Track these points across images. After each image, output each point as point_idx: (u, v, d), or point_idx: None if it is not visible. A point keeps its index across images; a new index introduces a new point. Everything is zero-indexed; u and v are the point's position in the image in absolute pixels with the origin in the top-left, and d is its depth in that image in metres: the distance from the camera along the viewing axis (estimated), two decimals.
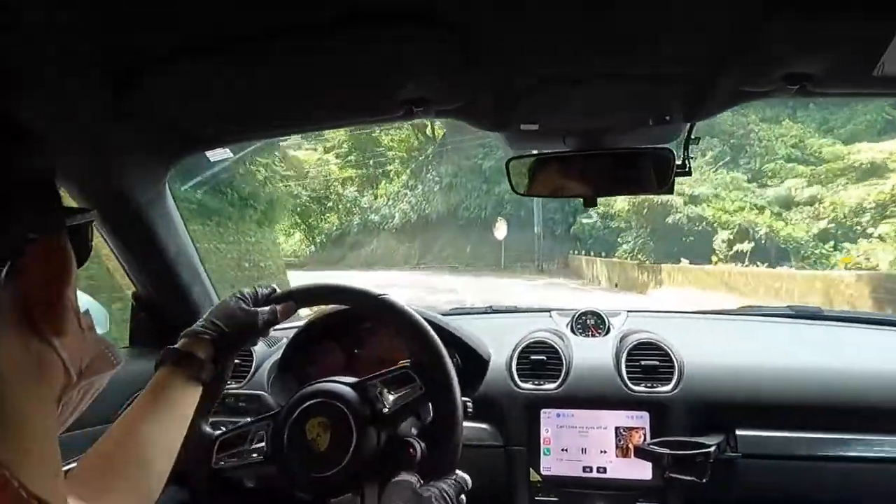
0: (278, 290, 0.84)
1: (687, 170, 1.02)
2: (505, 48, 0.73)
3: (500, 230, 16.79)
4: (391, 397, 0.75)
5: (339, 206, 23.50)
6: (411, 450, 0.74)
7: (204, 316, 0.76)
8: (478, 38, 0.67)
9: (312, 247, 24.26)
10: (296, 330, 1.08)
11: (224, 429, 0.82)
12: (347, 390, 0.76)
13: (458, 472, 0.74)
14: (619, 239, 14.25)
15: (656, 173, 1.02)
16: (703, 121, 1.02)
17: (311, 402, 0.76)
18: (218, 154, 1.22)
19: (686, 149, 1.02)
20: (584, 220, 15.59)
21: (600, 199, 1.08)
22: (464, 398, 0.79)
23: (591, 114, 0.98)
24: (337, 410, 0.74)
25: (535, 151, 1.07)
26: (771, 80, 0.81)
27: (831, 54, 0.74)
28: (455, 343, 1.07)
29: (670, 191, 1.03)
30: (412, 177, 21.54)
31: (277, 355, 1.13)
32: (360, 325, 1.04)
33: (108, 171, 0.97)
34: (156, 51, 0.68)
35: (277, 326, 0.82)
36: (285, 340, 1.11)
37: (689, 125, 1.00)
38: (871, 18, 0.65)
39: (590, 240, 15.86)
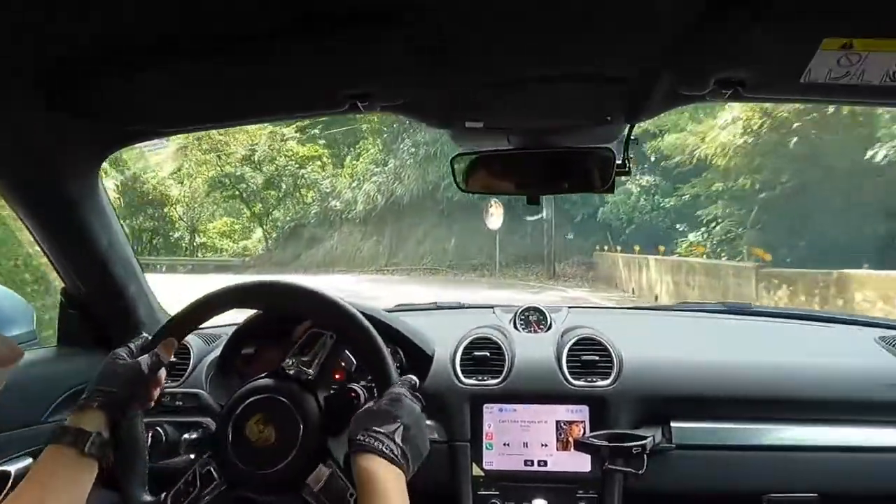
0: (150, 336, 0.98)
1: (627, 169, 1.29)
2: (452, 49, 0.91)
3: (495, 217, 14.28)
4: (310, 363, 0.94)
5: (297, 192, 22.80)
6: (352, 394, 0.94)
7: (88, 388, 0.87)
8: (424, 39, 0.85)
9: (268, 243, 23.69)
10: (234, 328, 1.23)
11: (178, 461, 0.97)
12: (269, 381, 0.94)
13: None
14: (676, 226, 10.61)
15: (598, 172, 1.28)
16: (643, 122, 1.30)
17: (244, 405, 0.91)
18: (153, 144, 1.46)
19: (626, 149, 1.29)
20: (616, 198, 11.32)
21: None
22: None
23: (535, 114, 1.21)
24: (270, 401, 0.90)
25: (480, 148, 1.34)
26: (706, 85, 1.05)
27: (761, 62, 0.97)
28: (399, 339, 1.32)
29: (611, 190, 1.30)
30: (384, 149, 20.28)
31: (217, 352, 1.30)
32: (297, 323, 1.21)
33: (37, 164, 1.14)
34: (90, 49, 0.85)
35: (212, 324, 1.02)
36: (224, 338, 1.27)
37: (629, 126, 1.28)
38: (799, 28, 0.86)
39: (628, 227, 12.77)
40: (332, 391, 0.97)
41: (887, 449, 1.26)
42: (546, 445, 1.32)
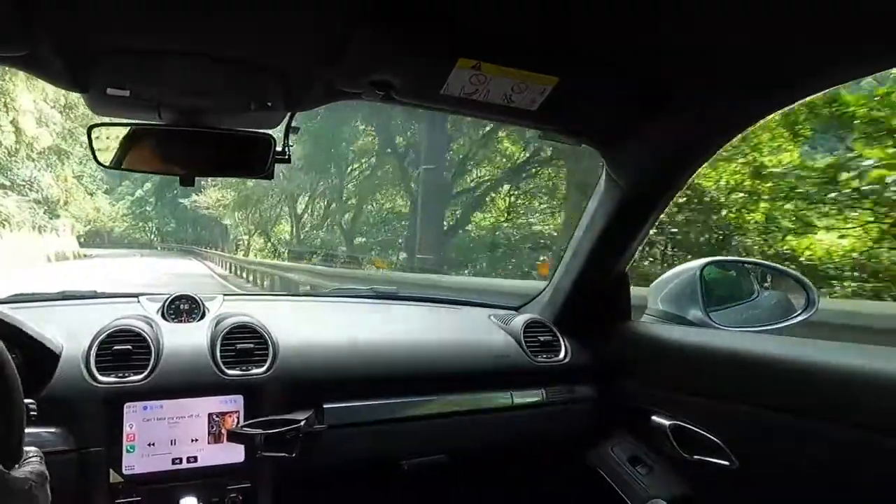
0: None
1: (287, 157, 1.39)
2: (77, 4, 0.88)
3: None
4: None
5: None
6: None
7: None
8: None
9: None
10: None
11: None
12: None
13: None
14: None
15: (257, 158, 1.36)
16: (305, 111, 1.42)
17: None
18: None
19: (286, 136, 1.39)
20: None
21: None
22: (26, 400, 0.87)
23: (189, 90, 1.23)
24: None
25: (126, 120, 1.28)
26: (360, 84, 1.21)
27: (408, 70, 1.16)
28: (15, 336, 1.18)
29: (270, 176, 1.38)
30: None
31: None
32: None
33: None
34: None
35: None
36: None
37: (290, 114, 1.38)
38: (437, 46, 1.04)
39: None
40: None
41: (497, 409, 1.62)
42: (197, 440, 1.34)
